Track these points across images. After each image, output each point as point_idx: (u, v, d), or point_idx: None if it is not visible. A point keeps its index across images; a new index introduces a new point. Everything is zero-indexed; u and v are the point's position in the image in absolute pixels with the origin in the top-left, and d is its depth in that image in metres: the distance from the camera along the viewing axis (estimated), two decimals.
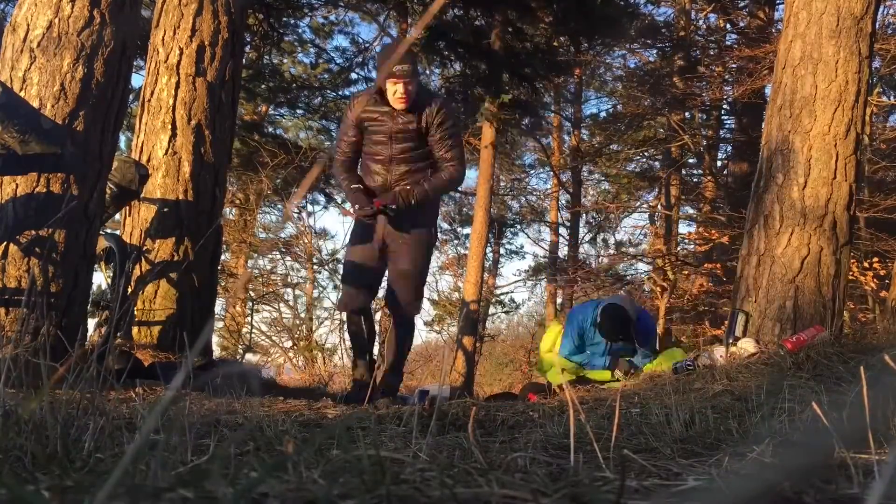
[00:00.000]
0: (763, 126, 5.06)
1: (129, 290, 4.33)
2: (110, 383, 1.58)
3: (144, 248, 4.61)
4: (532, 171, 18.28)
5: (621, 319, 4.16)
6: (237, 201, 14.45)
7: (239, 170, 13.43)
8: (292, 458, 0.83)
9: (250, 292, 14.09)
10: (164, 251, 4.65)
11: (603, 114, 16.47)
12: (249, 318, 13.30)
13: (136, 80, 7.00)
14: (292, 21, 12.88)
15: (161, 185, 4.75)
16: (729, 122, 14.34)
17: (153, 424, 0.62)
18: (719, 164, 14.87)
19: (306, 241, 15.44)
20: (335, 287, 17.02)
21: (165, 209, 4.71)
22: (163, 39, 4.93)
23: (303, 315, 14.99)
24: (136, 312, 4.49)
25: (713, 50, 13.19)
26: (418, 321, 4.09)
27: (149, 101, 4.92)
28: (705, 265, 11.62)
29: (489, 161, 10.59)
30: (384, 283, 3.88)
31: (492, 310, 17.99)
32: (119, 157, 3.91)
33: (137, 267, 4.50)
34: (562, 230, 16.30)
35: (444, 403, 2.45)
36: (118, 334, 3.89)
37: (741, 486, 0.63)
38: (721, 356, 3.86)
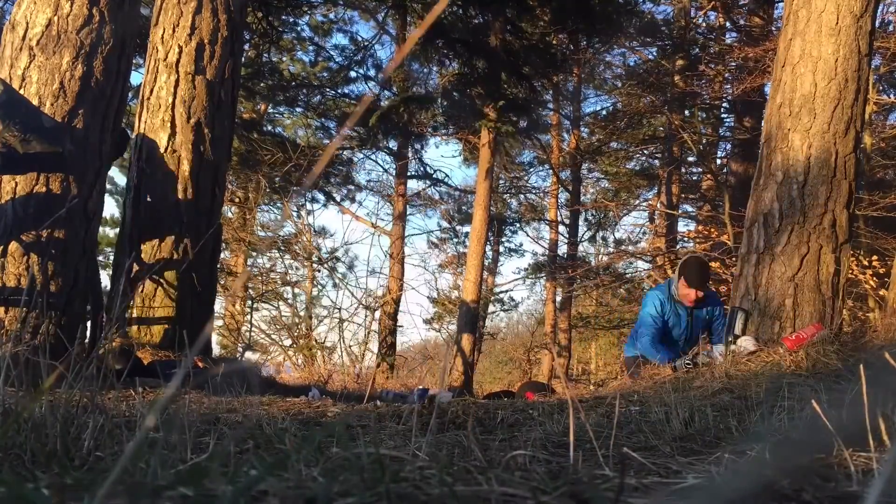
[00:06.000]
0: (763, 124, 5.06)
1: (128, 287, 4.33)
2: (110, 382, 1.58)
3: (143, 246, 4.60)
4: (531, 169, 18.26)
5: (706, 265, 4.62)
6: (236, 199, 14.45)
7: (238, 168, 13.44)
8: (292, 456, 0.83)
9: (249, 291, 14.09)
10: (163, 250, 4.65)
11: (603, 112, 16.45)
12: (249, 317, 13.30)
13: (136, 78, 7.01)
14: (291, 19, 12.89)
15: None
16: (729, 120, 14.33)
17: (153, 423, 0.62)
18: (719, 162, 14.87)
19: (305, 239, 15.44)
20: (334, 285, 17.02)
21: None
22: (162, 37, 4.92)
23: (302, 313, 14.99)
24: (135, 311, 4.49)
25: (713, 48, 13.18)
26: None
27: (148, 99, 4.92)
28: None
29: (488, 159, 10.60)
30: None
31: (491, 308, 18.00)
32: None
33: (133, 265, 4.49)
34: (561, 228, 16.29)
35: (444, 402, 2.45)
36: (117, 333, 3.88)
37: (740, 484, 0.63)
38: (721, 354, 3.86)
